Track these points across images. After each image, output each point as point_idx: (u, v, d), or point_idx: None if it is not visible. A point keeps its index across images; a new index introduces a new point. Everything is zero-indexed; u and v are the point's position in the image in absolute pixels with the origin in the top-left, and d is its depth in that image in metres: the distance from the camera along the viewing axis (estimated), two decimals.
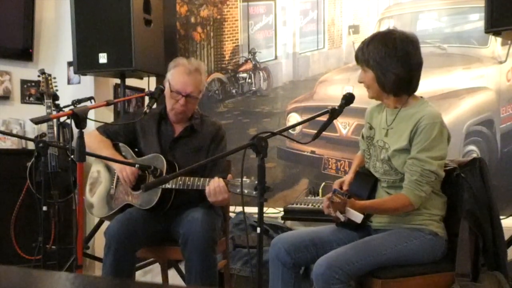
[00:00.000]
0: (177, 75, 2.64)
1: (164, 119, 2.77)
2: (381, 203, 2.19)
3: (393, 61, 2.10)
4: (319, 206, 3.36)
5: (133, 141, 2.80)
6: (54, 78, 3.65)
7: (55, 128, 3.58)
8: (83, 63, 3.54)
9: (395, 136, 2.19)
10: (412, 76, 2.15)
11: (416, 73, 2.16)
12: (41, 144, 2.58)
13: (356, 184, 2.32)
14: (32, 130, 4.06)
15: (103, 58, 3.47)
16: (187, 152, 2.70)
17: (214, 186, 2.36)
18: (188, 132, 2.73)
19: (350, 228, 2.29)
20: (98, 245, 3.74)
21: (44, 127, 3.75)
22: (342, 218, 2.04)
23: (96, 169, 2.85)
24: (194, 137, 2.73)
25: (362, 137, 2.40)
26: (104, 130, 2.80)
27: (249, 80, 4.34)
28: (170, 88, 2.63)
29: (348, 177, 2.37)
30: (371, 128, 2.33)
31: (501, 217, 2.26)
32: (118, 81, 3.84)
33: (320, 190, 3.63)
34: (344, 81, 3.92)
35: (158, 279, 3.32)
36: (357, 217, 2.04)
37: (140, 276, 3.57)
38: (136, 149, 2.79)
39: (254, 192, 2.12)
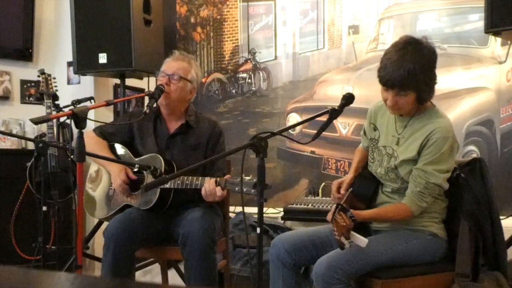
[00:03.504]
0: (165, 64, 2.75)
1: (159, 118, 2.78)
2: (383, 213, 2.19)
3: (434, 75, 2.07)
4: (319, 206, 3.36)
5: (130, 142, 2.80)
6: (54, 78, 3.65)
7: (55, 128, 3.58)
8: (83, 63, 3.54)
9: (404, 146, 2.17)
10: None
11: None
12: (41, 144, 2.58)
13: (359, 184, 2.30)
14: (32, 130, 4.06)
15: (103, 58, 3.47)
16: (184, 150, 2.71)
17: (209, 189, 2.39)
18: (183, 129, 2.74)
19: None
20: (98, 245, 3.74)
21: (44, 127, 3.75)
22: (347, 244, 1.96)
23: (94, 170, 2.85)
24: (190, 134, 2.74)
25: (364, 133, 2.38)
26: (101, 131, 2.80)
27: (249, 80, 4.34)
28: (159, 77, 2.71)
29: (348, 177, 2.36)
30: (375, 129, 2.31)
31: (501, 217, 2.26)
32: (118, 81, 3.83)
33: (320, 190, 3.63)
34: (344, 81, 3.92)
35: (158, 279, 3.32)
36: (362, 241, 2.00)
37: (140, 276, 3.56)
38: (134, 149, 2.79)
39: (252, 191, 2.11)
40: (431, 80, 2.08)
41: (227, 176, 2.43)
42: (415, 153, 2.11)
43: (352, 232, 2.00)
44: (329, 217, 2.10)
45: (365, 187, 2.27)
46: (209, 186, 2.39)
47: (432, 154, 2.07)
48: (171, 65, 2.71)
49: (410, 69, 1.99)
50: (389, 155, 2.20)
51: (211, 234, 2.50)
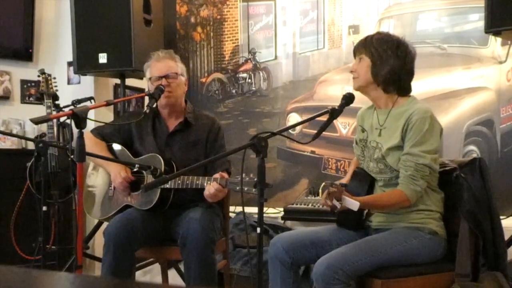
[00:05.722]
0: (151, 67, 2.74)
1: (158, 117, 2.78)
2: (377, 198, 2.21)
3: (393, 56, 2.18)
4: (319, 206, 3.36)
5: (129, 142, 2.80)
6: (54, 78, 3.64)
7: (55, 128, 3.58)
8: (83, 63, 3.54)
9: (388, 135, 2.21)
10: (404, 75, 2.21)
11: (407, 76, 2.23)
12: (41, 144, 2.58)
13: (354, 183, 2.32)
14: (32, 130, 4.06)
15: (103, 58, 3.47)
16: (184, 147, 2.72)
17: (212, 193, 2.41)
18: (182, 126, 2.74)
19: (350, 228, 2.29)
20: (98, 245, 3.74)
21: (44, 127, 3.75)
22: (338, 205, 2.00)
23: (90, 170, 2.84)
24: (189, 131, 2.75)
25: (356, 142, 2.41)
26: (99, 132, 2.80)
27: (249, 80, 4.34)
28: (152, 82, 2.71)
29: (345, 180, 2.39)
30: (363, 130, 2.35)
31: (501, 217, 2.26)
32: (118, 81, 3.84)
33: (320, 190, 3.62)
34: (344, 81, 3.91)
35: (158, 279, 3.32)
36: (353, 204, 2.01)
37: (140, 276, 3.56)
38: (133, 150, 2.79)
39: (253, 190, 2.12)
40: (387, 54, 2.17)
41: (220, 175, 2.44)
42: (399, 139, 2.14)
43: (344, 196, 2.02)
44: (322, 199, 2.09)
45: (360, 184, 2.28)
46: (212, 189, 2.41)
47: (415, 136, 2.11)
48: (160, 66, 2.70)
49: (368, 36, 2.25)
50: (374, 147, 2.24)
51: (210, 233, 2.50)
